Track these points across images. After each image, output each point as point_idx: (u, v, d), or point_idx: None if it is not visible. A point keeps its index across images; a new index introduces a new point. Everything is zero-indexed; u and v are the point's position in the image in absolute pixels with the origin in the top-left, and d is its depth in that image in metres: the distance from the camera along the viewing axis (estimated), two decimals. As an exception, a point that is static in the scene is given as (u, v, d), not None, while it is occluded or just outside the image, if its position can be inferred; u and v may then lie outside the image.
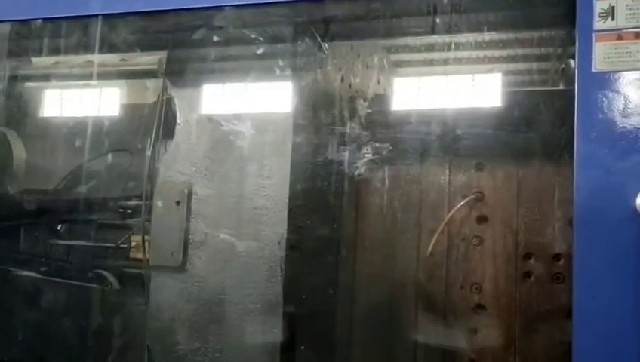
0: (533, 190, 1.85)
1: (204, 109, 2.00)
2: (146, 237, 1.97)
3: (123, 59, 2.09)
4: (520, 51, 1.89)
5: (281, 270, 1.85)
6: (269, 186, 1.92)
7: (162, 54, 2.02)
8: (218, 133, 1.97)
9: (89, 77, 2.16)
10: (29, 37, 2.04)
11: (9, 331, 2.11)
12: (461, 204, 1.92)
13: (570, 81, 1.77)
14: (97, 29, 1.76)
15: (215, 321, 1.90)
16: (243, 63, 2.04)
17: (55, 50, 2.08)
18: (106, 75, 2.19)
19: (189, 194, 1.96)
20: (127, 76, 2.24)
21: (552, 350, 1.73)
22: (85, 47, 1.96)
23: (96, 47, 1.83)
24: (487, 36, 1.80)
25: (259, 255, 1.88)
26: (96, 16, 1.73)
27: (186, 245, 1.94)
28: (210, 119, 1.97)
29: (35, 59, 2.21)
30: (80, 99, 2.39)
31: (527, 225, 1.85)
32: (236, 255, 1.91)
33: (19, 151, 2.26)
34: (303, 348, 1.86)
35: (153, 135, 2.00)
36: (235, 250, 1.91)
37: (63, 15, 1.89)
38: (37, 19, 1.93)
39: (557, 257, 1.80)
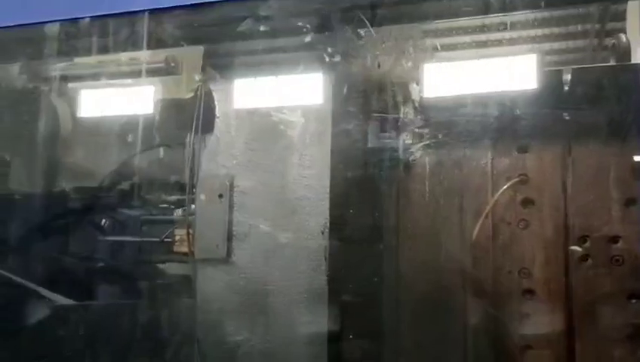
0: (587, 170, 1.78)
1: (243, 102, 1.99)
2: (190, 231, 1.98)
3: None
4: (573, 28, 1.82)
5: (326, 259, 1.84)
6: (310, 176, 1.90)
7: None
8: (257, 125, 1.96)
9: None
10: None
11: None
12: (506, 186, 1.87)
13: (621, 57, 1.70)
14: (144, 25, 1.75)
15: (262, 312, 1.91)
16: (281, 54, 2.01)
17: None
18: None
19: (231, 187, 1.96)
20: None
21: (614, 333, 1.68)
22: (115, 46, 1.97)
23: (144, 44, 1.83)
24: (538, 14, 1.73)
25: (303, 245, 1.87)
26: (143, 12, 1.72)
27: (230, 237, 1.95)
28: (249, 111, 1.96)
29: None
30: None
31: (581, 206, 1.79)
32: (280, 245, 1.90)
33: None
34: (351, 336, 1.85)
35: (193, 129, 2.00)
36: (278, 240, 1.91)
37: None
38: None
39: (614, 239, 1.75)
